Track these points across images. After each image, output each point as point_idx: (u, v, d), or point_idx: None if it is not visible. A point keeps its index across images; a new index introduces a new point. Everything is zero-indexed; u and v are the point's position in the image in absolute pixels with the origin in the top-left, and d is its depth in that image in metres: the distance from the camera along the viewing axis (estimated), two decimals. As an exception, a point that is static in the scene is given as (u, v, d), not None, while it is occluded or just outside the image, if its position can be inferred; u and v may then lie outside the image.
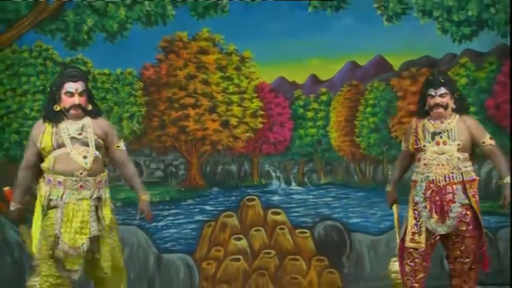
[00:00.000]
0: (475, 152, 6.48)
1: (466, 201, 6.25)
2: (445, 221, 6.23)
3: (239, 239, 8.77)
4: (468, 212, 6.26)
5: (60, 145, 5.78)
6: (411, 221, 6.41)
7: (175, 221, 8.80)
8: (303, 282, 8.74)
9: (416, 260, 6.40)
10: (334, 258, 8.74)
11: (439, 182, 6.25)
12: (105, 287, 5.99)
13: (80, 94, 5.84)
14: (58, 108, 5.85)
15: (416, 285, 6.42)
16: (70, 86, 5.82)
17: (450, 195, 6.23)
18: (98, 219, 5.82)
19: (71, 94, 5.82)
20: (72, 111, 5.83)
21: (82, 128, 5.84)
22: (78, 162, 5.74)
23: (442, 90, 6.30)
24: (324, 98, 8.95)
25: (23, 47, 8.64)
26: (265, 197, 8.88)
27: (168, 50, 8.82)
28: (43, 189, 5.82)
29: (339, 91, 8.93)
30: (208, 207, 8.84)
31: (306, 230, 8.77)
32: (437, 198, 6.25)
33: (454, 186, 6.24)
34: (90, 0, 8.60)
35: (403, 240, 6.44)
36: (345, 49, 8.74)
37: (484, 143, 6.33)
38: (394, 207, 6.75)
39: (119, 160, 6.11)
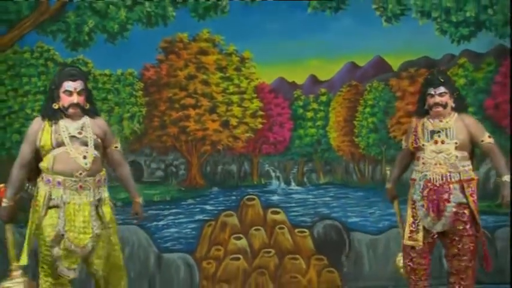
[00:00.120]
0: (474, 152, 6.50)
1: (464, 201, 6.27)
2: (440, 220, 6.27)
3: (239, 238, 8.78)
4: (465, 211, 6.28)
5: (60, 144, 5.74)
6: (409, 220, 6.45)
7: (176, 221, 8.80)
8: (302, 281, 8.75)
9: (414, 260, 6.44)
10: (333, 257, 8.75)
11: (436, 181, 6.27)
12: (105, 285, 5.98)
13: (79, 93, 5.80)
14: (57, 107, 5.81)
15: (419, 283, 6.47)
16: (69, 85, 5.78)
17: (446, 194, 6.25)
18: (98, 218, 5.79)
19: (70, 93, 5.79)
20: (70, 110, 5.79)
21: (82, 127, 5.81)
22: (78, 162, 5.70)
23: (442, 89, 6.33)
24: (324, 98, 8.97)
25: (24, 47, 8.66)
26: (264, 196, 8.89)
27: (169, 50, 8.84)
28: (42, 189, 5.78)
29: (338, 91, 8.95)
30: (208, 207, 8.85)
31: (305, 230, 8.78)
32: (434, 197, 6.27)
33: (451, 186, 6.26)
34: (91, 1, 8.62)
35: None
36: (344, 50, 8.75)
37: (482, 141, 6.35)
38: (395, 203, 6.78)
39: (117, 161, 6.10)
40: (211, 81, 8.85)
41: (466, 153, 6.34)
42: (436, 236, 6.38)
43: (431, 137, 6.34)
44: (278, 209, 8.85)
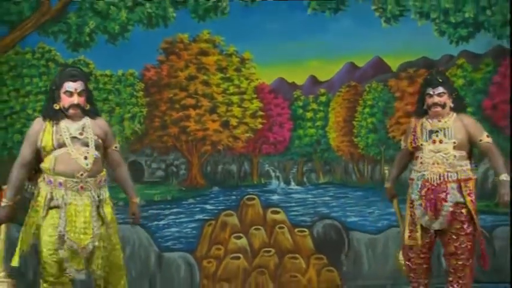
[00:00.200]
0: (472, 151, 6.51)
1: (461, 200, 6.29)
2: (438, 219, 6.29)
3: (239, 237, 8.79)
4: (463, 211, 6.30)
5: (61, 145, 5.71)
6: (408, 219, 6.47)
7: (177, 220, 8.82)
8: (302, 280, 8.77)
9: (412, 259, 6.47)
10: (332, 257, 8.76)
11: (434, 180, 6.29)
12: (105, 284, 5.95)
13: (79, 94, 5.77)
14: (57, 107, 5.78)
15: (420, 281, 6.51)
16: (69, 86, 5.75)
17: (444, 193, 6.27)
18: (99, 218, 5.78)
19: (70, 94, 5.75)
20: (71, 111, 5.76)
21: (83, 128, 5.79)
22: (79, 163, 5.68)
23: (440, 89, 6.35)
24: (323, 98, 8.99)
25: (26, 48, 8.69)
26: (264, 196, 8.91)
27: (169, 51, 8.86)
28: (43, 190, 5.76)
29: (337, 92, 8.97)
30: (208, 207, 8.87)
31: (305, 229, 8.79)
32: (432, 196, 6.29)
33: (449, 185, 6.28)
34: (92, 2, 8.65)
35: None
36: (343, 50, 8.77)
37: (481, 140, 6.37)
38: (395, 202, 6.81)
39: (116, 161, 6.09)
40: (211, 82, 8.87)
41: (464, 153, 6.36)
42: (434, 235, 6.40)
43: (430, 137, 6.36)
44: (278, 209, 8.86)
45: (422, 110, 6.46)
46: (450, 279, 6.43)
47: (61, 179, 5.70)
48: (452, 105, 6.40)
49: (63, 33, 8.69)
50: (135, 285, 8.25)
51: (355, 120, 8.98)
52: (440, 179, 6.29)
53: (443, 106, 6.37)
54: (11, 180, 5.82)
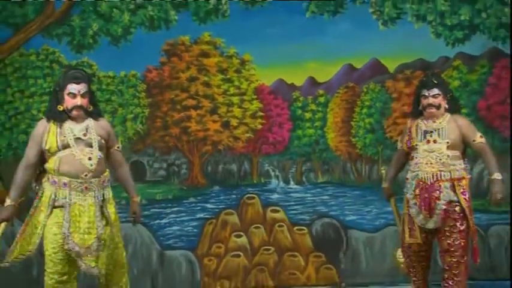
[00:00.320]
0: (466, 152, 6.60)
1: (454, 199, 6.38)
2: (432, 217, 6.38)
3: (239, 236, 8.82)
4: (456, 209, 6.38)
5: (65, 146, 5.75)
6: (406, 218, 6.56)
7: (178, 219, 8.83)
8: (301, 278, 8.80)
9: (412, 258, 6.58)
10: (331, 255, 8.79)
11: (427, 179, 6.39)
12: (108, 281, 6.01)
13: (83, 96, 5.81)
14: (61, 108, 5.82)
15: (414, 279, 6.62)
16: (73, 88, 5.79)
17: (437, 192, 6.37)
18: (103, 218, 5.83)
19: (74, 95, 5.80)
20: (74, 112, 5.81)
21: (86, 129, 5.83)
22: (83, 163, 5.72)
23: (435, 91, 6.45)
24: (322, 99, 9.01)
25: (30, 50, 8.68)
26: (264, 195, 8.92)
27: (171, 53, 8.87)
28: (48, 190, 5.80)
29: (336, 93, 8.99)
30: (209, 205, 8.89)
31: (303, 227, 8.82)
32: (425, 195, 6.39)
33: (442, 184, 6.37)
34: (96, 5, 8.66)
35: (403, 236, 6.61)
36: (341, 52, 8.79)
37: (474, 141, 6.47)
38: (392, 201, 6.88)
39: (118, 161, 6.13)
40: (212, 83, 8.89)
41: (457, 153, 6.45)
42: (429, 233, 6.49)
43: (424, 137, 6.45)
44: (277, 208, 8.89)
45: (417, 111, 6.56)
46: (445, 276, 6.50)
47: (65, 180, 5.74)
48: (447, 106, 6.50)
49: (67, 35, 8.70)
50: (137, 282, 8.29)
51: (353, 120, 9.00)
52: (433, 178, 6.39)
53: (438, 107, 6.47)
54: (15, 181, 5.86)
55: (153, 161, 8.95)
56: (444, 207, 6.38)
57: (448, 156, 6.40)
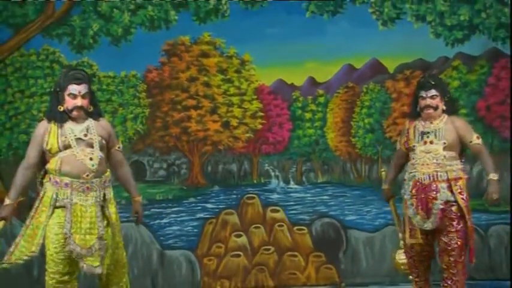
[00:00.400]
0: (466, 152, 6.60)
1: (451, 199, 6.38)
2: (429, 218, 6.38)
3: (239, 235, 8.84)
4: (453, 208, 6.38)
5: (66, 146, 5.73)
6: (406, 219, 6.56)
7: (178, 219, 8.85)
8: (301, 278, 8.82)
9: (414, 258, 6.58)
10: (331, 254, 8.81)
11: (424, 180, 6.41)
12: (109, 281, 5.99)
13: (83, 96, 5.78)
14: (62, 109, 5.79)
15: (417, 279, 6.62)
16: (74, 88, 5.76)
17: (433, 192, 6.37)
18: (104, 218, 5.81)
19: (74, 96, 5.76)
20: (74, 113, 5.78)
21: (87, 129, 5.81)
22: (84, 164, 5.71)
23: (433, 92, 6.45)
24: (321, 99, 9.03)
25: (30, 50, 8.71)
26: (264, 195, 8.95)
27: (171, 53, 8.89)
28: (49, 190, 5.78)
29: (335, 93, 9.01)
30: (209, 205, 8.91)
31: (303, 227, 8.84)
32: (422, 196, 6.40)
33: (439, 185, 6.38)
34: (96, 5, 8.68)
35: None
36: (341, 52, 8.83)
37: (471, 142, 6.47)
38: (391, 203, 6.87)
39: (119, 161, 6.09)
40: (212, 83, 8.92)
41: (454, 154, 6.45)
42: (430, 234, 6.48)
43: (422, 138, 6.46)
44: (277, 208, 8.91)
45: (415, 112, 6.56)
46: (444, 276, 6.49)
47: (67, 180, 5.73)
48: (444, 107, 6.50)
49: (67, 35, 8.72)
50: (138, 282, 8.30)
51: (352, 120, 9.02)
52: (430, 179, 6.40)
53: (435, 108, 6.47)
54: (15, 180, 5.85)
55: (153, 161, 8.97)
56: (441, 206, 6.38)
57: (444, 157, 6.42)
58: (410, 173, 6.52)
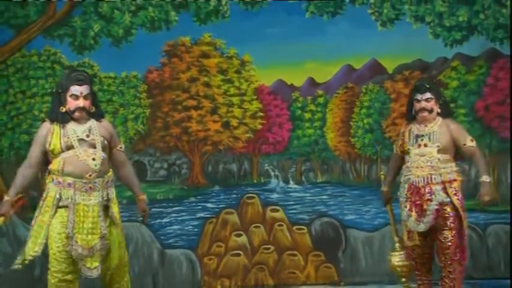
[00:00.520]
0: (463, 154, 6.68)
1: (446, 200, 6.46)
2: (423, 219, 6.46)
3: (239, 235, 8.86)
4: (447, 208, 6.46)
5: (69, 147, 5.76)
6: (403, 221, 6.63)
7: (178, 218, 8.87)
8: (300, 277, 8.84)
9: (416, 260, 6.66)
10: (330, 254, 8.82)
11: (418, 183, 6.48)
12: (112, 280, 6.01)
13: (85, 97, 5.82)
14: (64, 110, 5.82)
15: (419, 282, 6.68)
16: (76, 89, 5.80)
17: (428, 195, 6.45)
18: (107, 218, 5.84)
19: (76, 97, 5.80)
20: (76, 114, 5.81)
21: (89, 130, 5.84)
22: (87, 164, 5.74)
23: (428, 95, 6.54)
24: (321, 100, 9.06)
25: (32, 51, 8.74)
26: (264, 195, 8.96)
27: (171, 54, 8.92)
28: (52, 190, 5.80)
29: (335, 93, 9.03)
30: (209, 205, 8.93)
31: (303, 227, 8.86)
32: (417, 198, 6.48)
33: (433, 187, 6.45)
34: (97, 6, 8.72)
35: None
36: (341, 53, 8.84)
37: (465, 144, 6.55)
38: (388, 207, 6.93)
39: (121, 161, 6.12)
40: (212, 84, 8.94)
41: (448, 156, 6.52)
42: (429, 235, 6.55)
43: (416, 141, 6.55)
44: (277, 207, 8.92)
45: (411, 115, 6.65)
46: (443, 274, 6.57)
47: (70, 180, 5.76)
48: (439, 110, 6.59)
49: (68, 36, 8.75)
50: (139, 281, 8.34)
51: (352, 120, 9.05)
52: (424, 181, 6.48)
53: (430, 111, 6.55)
54: (15, 179, 5.87)
55: (154, 160, 8.99)
56: (436, 207, 6.46)
57: (438, 159, 6.50)
58: (406, 176, 6.61)
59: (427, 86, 6.59)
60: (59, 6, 8.71)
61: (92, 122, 5.91)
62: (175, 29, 8.85)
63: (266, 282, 8.86)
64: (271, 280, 8.86)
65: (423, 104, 6.55)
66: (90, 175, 5.78)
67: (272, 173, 9.10)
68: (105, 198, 5.86)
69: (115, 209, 5.93)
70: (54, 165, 5.82)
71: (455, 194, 6.49)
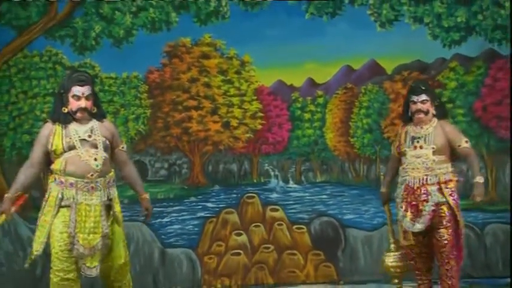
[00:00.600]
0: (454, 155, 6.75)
1: (442, 200, 6.55)
2: (419, 219, 6.53)
3: (239, 234, 8.88)
4: (443, 208, 6.53)
5: (71, 147, 5.79)
6: (400, 221, 6.71)
7: (179, 218, 8.89)
8: (300, 276, 8.86)
9: (416, 259, 6.73)
10: (329, 253, 8.85)
11: (414, 184, 6.56)
12: (113, 278, 6.04)
13: (87, 98, 5.84)
14: (66, 110, 5.85)
15: (420, 282, 6.75)
16: (77, 90, 5.82)
17: (424, 195, 6.53)
18: (108, 218, 5.86)
19: (78, 98, 5.83)
20: (78, 114, 5.84)
21: (91, 130, 5.87)
22: (89, 164, 5.76)
23: (423, 97, 6.62)
24: (320, 100, 9.08)
25: (33, 51, 8.77)
26: (264, 194, 8.98)
27: (172, 54, 8.94)
28: (54, 190, 5.83)
29: (334, 94, 9.05)
30: (210, 205, 8.94)
31: (302, 226, 8.88)
32: (412, 199, 6.57)
33: (429, 188, 6.54)
34: (98, 7, 8.74)
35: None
36: (340, 53, 8.86)
37: (459, 146, 6.63)
38: (386, 207, 7.00)
39: (123, 161, 6.15)
40: (212, 84, 8.96)
41: (444, 157, 6.61)
42: (427, 235, 6.62)
43: (412, 143, 6.63)
44: (277, 207, 8.94)
45: (407, 117, 6.73)
46: (440, 273, 6.63)
47: (72, 180, 5.78)
48: (434, 112, 6.66)
49: (69, 37, 8.77)
50: (139, 279, 8.34)
51: (351, 121, 9.07)
52: (420, 182, 6.57)
53: (426, 113, 6.64)
54: (16, 177, 5.90)
55: (155, 160, 9.01)
56: (433, 208, 6.53)
57: (434, 161, 6.57)
58: (402, 177, 6.69)
59: (423, 87, 6.67)
60: (60, 7, 8.73)
61: (94, 123, 5.94)
62: (175, 30, 8.86)
63: (266, 281, 8.89)
64: (271, 279, 8.89)
65: (419, 105, 6.64)
66: (92, 175, 5.80)
67: (272, 173, 9.11)
68: (107, 198, 5.89)
69: (117, 208, 5.96)
70: (56, 165, 5.84)
71: (450, 195, 6.57)
